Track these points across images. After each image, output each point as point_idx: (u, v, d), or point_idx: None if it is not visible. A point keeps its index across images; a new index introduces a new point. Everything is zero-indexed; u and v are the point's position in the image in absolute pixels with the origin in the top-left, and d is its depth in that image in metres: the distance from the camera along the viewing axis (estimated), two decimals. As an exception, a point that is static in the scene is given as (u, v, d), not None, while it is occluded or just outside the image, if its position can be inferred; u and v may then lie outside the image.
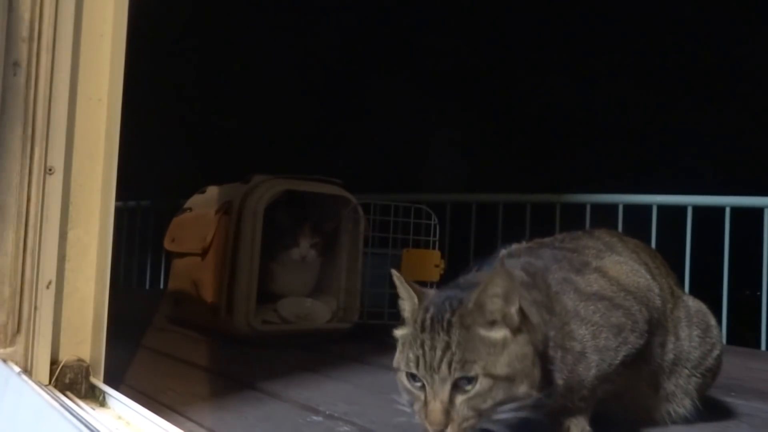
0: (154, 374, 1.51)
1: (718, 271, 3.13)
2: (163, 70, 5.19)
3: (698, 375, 1.23)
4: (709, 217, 3.23)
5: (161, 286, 4.36)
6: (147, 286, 4.76)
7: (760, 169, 4.76)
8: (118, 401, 1.03)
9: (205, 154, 5.99)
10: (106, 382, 1.14)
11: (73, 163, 1.14)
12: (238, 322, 1.98)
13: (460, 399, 0.91)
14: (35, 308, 1.08)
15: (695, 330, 1.21)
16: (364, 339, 2.20)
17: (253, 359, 1.80)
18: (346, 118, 6.45)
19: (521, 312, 0.94)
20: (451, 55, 6.05)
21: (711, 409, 1.35)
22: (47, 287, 1.08)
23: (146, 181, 4.74)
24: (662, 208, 3.21)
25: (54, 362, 1.10)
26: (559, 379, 0.99)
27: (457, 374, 0.91)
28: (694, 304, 1.26)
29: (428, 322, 0.94)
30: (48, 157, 1.08)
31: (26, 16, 1.08)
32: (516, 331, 0.94)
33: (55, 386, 1.08)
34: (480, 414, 0.90)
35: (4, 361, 1.05)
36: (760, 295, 3.08)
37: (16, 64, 1.07)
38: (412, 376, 0.95)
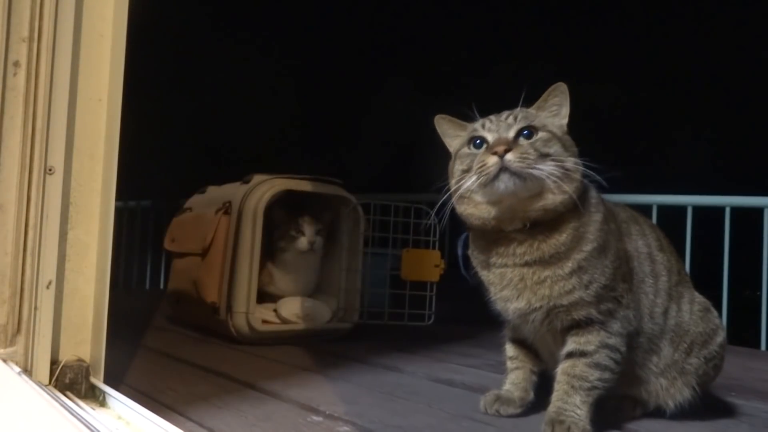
0: (154, 374, 1.50)
1: (718, 271, 3.13)
2: (163, 70, 5.18)
3: (701, 358, 1.24)
4: (709, 217, 3.22)
5: (161, 286, 4.36)
6: (147, 286, 4.76)
7: (760, 169, 4.75)
8: (118, 401, 1.03)
9: (205, 154, 5.98)
10: (106, 382, 1.14)
11: (73, 163, 1.14)
12: (238, 322, 1.98)
13: (524, 141, 1.10)
14: (35, 308, 1.08)
15: (696, 306, 1.27)
16: (364, 339, 2.20)
17: (253, 359, 1.80)
18: (346, 118, 6.45)
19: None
20: (451, 54, 6.05)
21: (711, 409, 1.35)
22: (47, 287, 1.08)
23: (146, 181, 4.74)
24: (662, 208, 3.21)
25: (54, 362, 1.10)
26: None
27: (522, 123, 1.12)
28: (699, 295, 1.31)
29: (495, 114, 1.18)
30: (48, 157, 1.08)
31: (26, 16, 1.08)
32: (564, 132, 1.16)
33: (55, 386, 1.08)
34: (538, 157, 1.07)
35: (4, 361, 1.05)
36: (760, 295, 3.08)
37: (16, 64, 1.07)
38: (475, 144, 1.14)
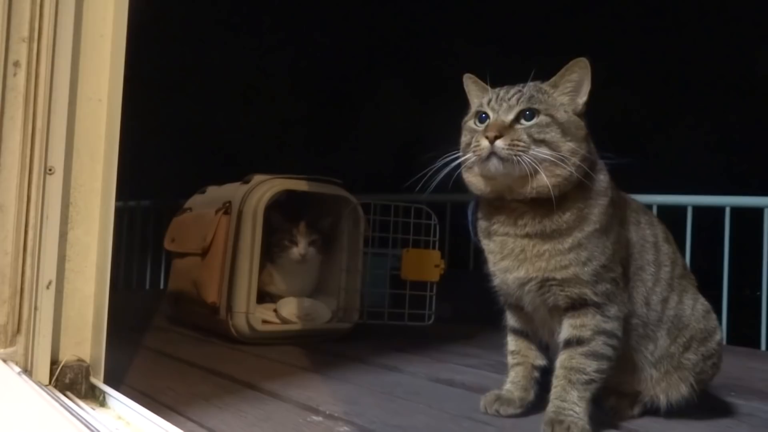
0: (154, 374, 1.50)
1: (718, 271, 3.13)
2: (163, 70, 5.18)
3: (699, 354, 1.25)
4: (709, 217, 3.22)
5: (161, 286, 4.36)
6: (147, 286, 4.76)
7: (760, 169, 4.76)
8: (118, 401, 1.03)
9: (205, 154, 5.98)
10: (106, 382, 1.14)
11: (73, 163, 1.14)
12: (238, 322, 1.98)
13: (519, 126, 1.12)
14: (35, 308, 1.08)
15: (700, 306, 1.28)
16: (364, 339, 2.20)
17: (253, 359, 1.80)
18: (345, 118, 6.45)
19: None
20: (451, 54, 6.05)
21: (711, 408, 1.36)
22: (47, 287, 1.08)
23: (146, 181, 4.74)
24: (662, 208, 3.20)
25: (54, 362, 1.10)
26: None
27: (523, 105, 1.12)
28: (702, 298, 1.32)
29: (506, 87, 1.18)
30: (48, 157, 1.08)
31: (26, 16, 1.08)
32: (578, 114, 1.15)
33: (55, 386, 1.08)
34: (532, 143, 1.09)
35: (4, 361, 1.06)
36: (760, 295, 3.08)
37: (16, 64, 1.07)
38: (480, 118, 1.17)
